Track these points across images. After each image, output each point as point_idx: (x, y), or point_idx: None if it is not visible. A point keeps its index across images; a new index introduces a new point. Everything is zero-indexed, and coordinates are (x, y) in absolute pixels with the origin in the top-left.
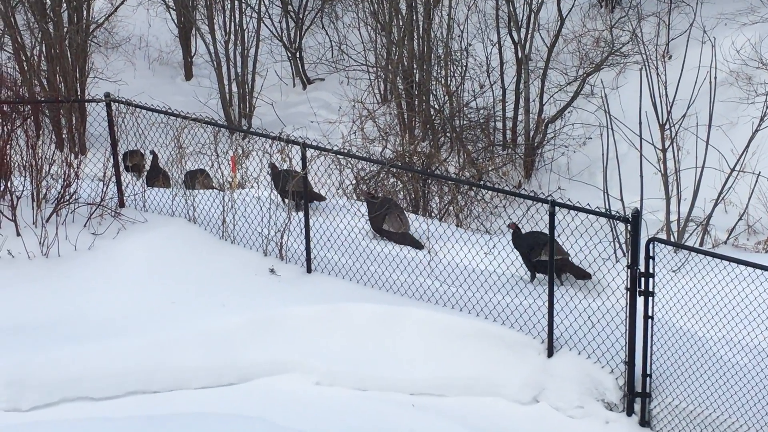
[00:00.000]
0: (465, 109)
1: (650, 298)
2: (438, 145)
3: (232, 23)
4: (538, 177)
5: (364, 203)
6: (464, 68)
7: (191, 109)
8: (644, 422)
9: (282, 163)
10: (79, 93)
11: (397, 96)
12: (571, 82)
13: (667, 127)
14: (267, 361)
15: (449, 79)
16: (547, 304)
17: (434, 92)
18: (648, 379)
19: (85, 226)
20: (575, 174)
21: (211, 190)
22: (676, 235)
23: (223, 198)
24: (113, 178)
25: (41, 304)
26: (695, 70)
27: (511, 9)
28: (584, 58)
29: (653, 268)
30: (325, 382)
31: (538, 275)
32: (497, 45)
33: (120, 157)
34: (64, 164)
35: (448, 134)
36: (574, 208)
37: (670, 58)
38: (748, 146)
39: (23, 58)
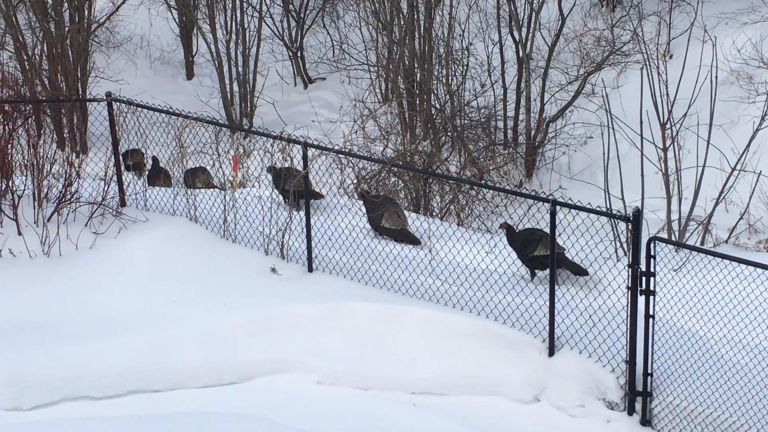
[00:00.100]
0: (466, 108)
1: (651, 297)
2: (439, 144)
3: (234, 22)
4: (539, 176)
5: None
6: (465, 67)
7: (192, 108)
8: (645, 421)
9: (283, 162)
10: (80, 92)
11: (398, 95)
12: (572, 82)
13: (668, 126)
14: (268, 360)
15: (450, 78)
16: (548, 303)
17: (435, 91)
18: (649, 378)
19: (86, 225)
20: (576, 173)
21: (212, 190)
22: (677, 234)
23: (225, 197)
24: (114, 178)
25: (42, 304)
26: (696, 69)
27: (512, 8)
28: (585, 58)
29: (654, 267)
30: (326, 381)
31: (538, 273)
32: (498, 44)
33: (120, 156)
34: (66, 163)
35: (449, 133)
36: (575, 207)
37: (671, 57)
38: (748, 145)
39: (25, 57)
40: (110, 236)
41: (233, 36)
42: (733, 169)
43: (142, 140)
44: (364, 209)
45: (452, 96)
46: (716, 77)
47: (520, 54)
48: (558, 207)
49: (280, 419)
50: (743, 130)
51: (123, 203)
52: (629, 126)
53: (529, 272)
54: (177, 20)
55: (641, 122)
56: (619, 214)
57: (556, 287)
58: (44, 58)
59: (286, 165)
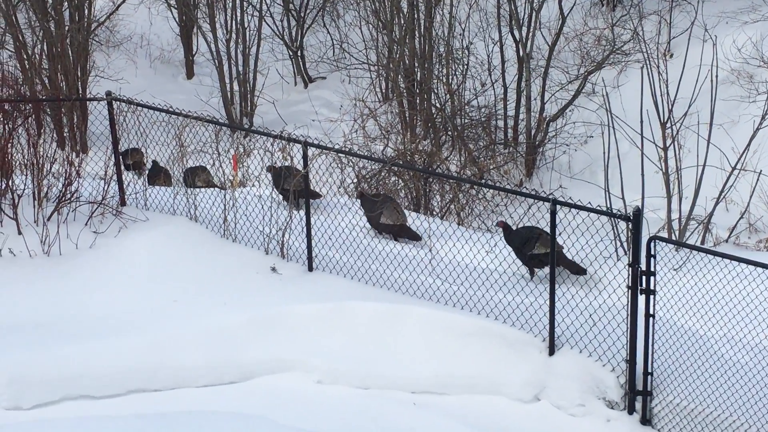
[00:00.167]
0: (466, 107)
1: (651, 297)
2: (439, 143)
3: (234, 22)
4: (539, 175)
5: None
6: (465, 67)
7: (192, 107)
8: (645, 420)
9: (283, 161)
10: (80, 91)
11: (398, 94)
12: (573, 81)
13: (668, 125)
14: (268, 360)
15: (450, 77)
16: (548, 302)
17: (435, 91)
18: (649, 377)
19: (86, 224)
20: (576, 172)
21: (212, 189)
22: (677, 233)
23: (225, 196)
24: (114, 177)
25: (43, 303)
26: (696, 68)
27: (513, 7)
28: (585, 57)
29: (654, 267)
30: (327, 380)
31: (537, 272)
32: (498, 43)
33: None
34: (66, 163)
35: (449, 133)
36: (576, 206)
37: (671, 56)
38: (749, 145)
39: (25, 56)
40: (110, 235)
41: (233, 35)
42: (734, 168)
43: (142, 139)
44: (363, 209)
45: (452, 95)
46: (716, 76)
47: (521, 53)
48: (558, 206)
49: (281, 418)
50: (743, 130)
51: (123, 202)
52: (629, 125)
53: (528, 271)
54: (177, 19)
55: (641, 121)
56: (619, 213)
57: (556, 286)
58: (44, 57)
59: (286, 164)
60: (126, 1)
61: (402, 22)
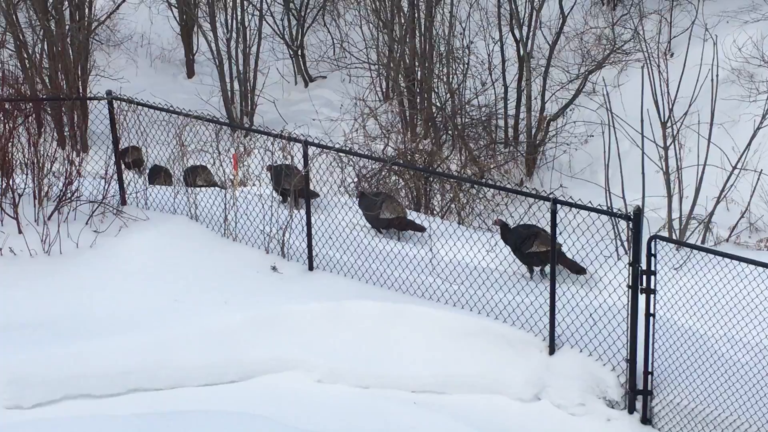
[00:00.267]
0: (467, 106)
1: (652, 296)
2: (440, 142)
3: (234, 21)
4: (539, 175)
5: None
6: (466, 66)
7: (193, 106)
8: (646, 420)
9: (283, 160)
10: (80, 91)
11: (398, 94)
12: (573, 80)
13: (668, 125)
14: (269, 359)
15: (451, 76)
16: (548, 301)
17: (436, 90)
18: (649, 376)
19: (86, 223)
20: (577, 172)
21: (213, 188)
22: (677, 232)
23: (225, 196)
24: (115, 176)
25: (43, 302)
26: (697, 67)
27: (513, 6)
28: (586, 56)
29: (655, 266)
30: (327, 379)
31: (536, 271)
32: (499, 42)
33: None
34: (66, 162)
35: (449, 132)
36: (576, 205)
37: (671, 55)
38: (749, 144)
39: (25, 55)
40: (111, 235)
41: (234, 34)
42: (734, 167)
43: (142, 139)
44: (360, 207)
45: (453, 94)
46: (717, 76)
47: (521, 52)
48: (559, 205)
49: (281, 417)
50: (744, 129)
51: (123, 202)
52: (630, 125)
53: (527, 270)
54: (177, 19)
55: (642, 121)
56: (619, 212)
57: (557, 286)
58: (45, 56)
59: (286, 162)
60: (126, 0)
61: (402, 21)
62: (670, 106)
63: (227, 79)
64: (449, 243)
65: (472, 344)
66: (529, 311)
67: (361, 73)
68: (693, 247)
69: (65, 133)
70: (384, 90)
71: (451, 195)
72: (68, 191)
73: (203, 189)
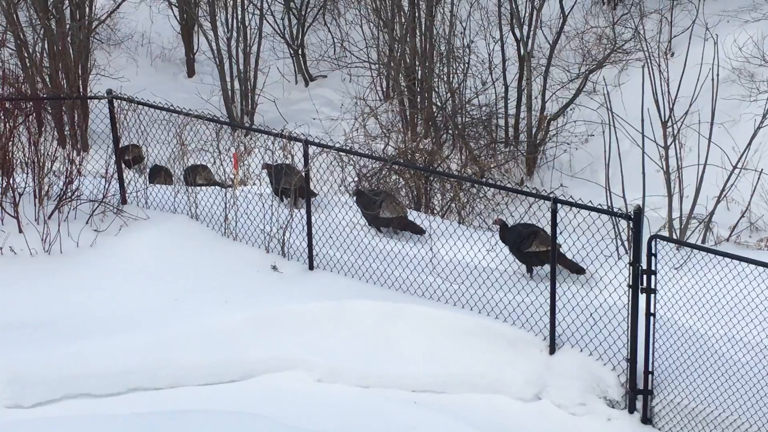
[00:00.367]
0: (467, 106)
1: (652, 296)
2: (440, 142)
3: (235, 20)
4: (540, 174)
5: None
6: (466, 65)
7: (193, 106)
8: (646, 419)
9: (283, 159)
10: (81, 90)
11: (399, 93)
12: (574, 80)
13: (669, 124)
14: (269, 358)
15: (451, 76)
16: (548, 301)
17: (436, 89)
18: (650, 376)
19: (87, 223)
20: (577, 171)
21: (213, 187)
22: (678, 232)
23: (225, 195)
24: (115, 175)
25: (43, 301)
26: (697, 67)
27: (514, 6)
28: (586, 56)
29: (655, 266)
30: (327, 379)
31: (536, 270)
32: (499, 42)
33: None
34: (66, 161)
35: (450, 131)
36: (576, 205)
37: (672, 55)
38: (750, 144)
39: (25, 54)
40: (111, 234)
41: (234, 33)
42: (735, 167)
43: (143, 138)
44: (359, 206)
45: (453, 94)
46: (718, 75)
47: (522, 52)
48: (559, 205)
49: (281, 417)
50: (744, 129)
51: (124, 201)
52: (630, 124)
53: (526, 269)
54: (178, 18)
55: (642, 120)
56: (620, 212)
57: (557, 285)
58: (45, 55)
59: (285, 162)
60: None
61: (403, 20)
62: (671, 106)
63: (228, 79)
64: (449, 242)
65: (472, 344)
66: (529, 311)
67: (361, 73)
68: (693, 246)
69: (66, 133)
70: (384, 89)
71: (452, 194)
72: (68, 190)
73: (203, 188)
